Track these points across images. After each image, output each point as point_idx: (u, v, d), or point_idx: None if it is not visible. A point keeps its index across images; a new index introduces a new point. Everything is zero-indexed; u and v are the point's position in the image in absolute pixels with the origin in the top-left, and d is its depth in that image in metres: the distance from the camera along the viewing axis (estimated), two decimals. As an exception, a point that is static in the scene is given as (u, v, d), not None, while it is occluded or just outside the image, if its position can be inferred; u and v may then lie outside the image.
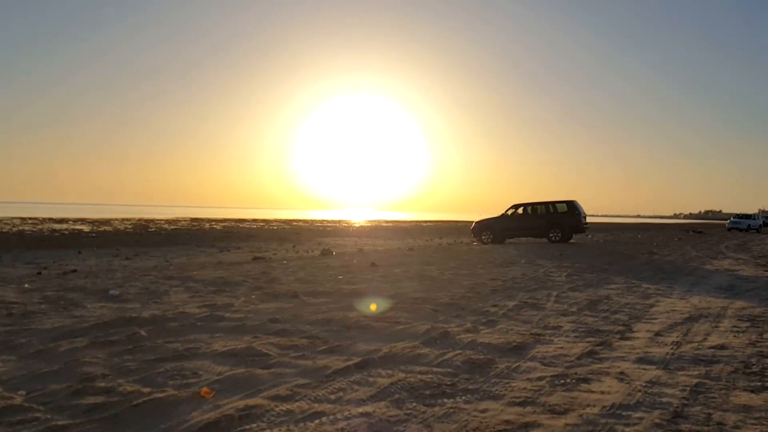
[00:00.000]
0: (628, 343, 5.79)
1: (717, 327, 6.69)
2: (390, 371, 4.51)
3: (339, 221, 73.63)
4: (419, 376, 4.38)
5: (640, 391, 4.13)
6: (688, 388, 4.20)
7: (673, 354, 5.29)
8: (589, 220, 25.99)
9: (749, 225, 49.80)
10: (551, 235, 23.36)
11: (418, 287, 9.72)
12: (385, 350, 5.11)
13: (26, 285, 9.23)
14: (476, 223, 25.03)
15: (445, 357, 4.98)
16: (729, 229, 50.81)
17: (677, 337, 6.10)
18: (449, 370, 4.61)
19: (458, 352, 5.17)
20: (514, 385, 4.26)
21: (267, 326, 6.13)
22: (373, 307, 7.39)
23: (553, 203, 23.76)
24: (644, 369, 4.74)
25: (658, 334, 6.27)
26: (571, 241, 25.49)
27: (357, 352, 5.09)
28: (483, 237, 24.27)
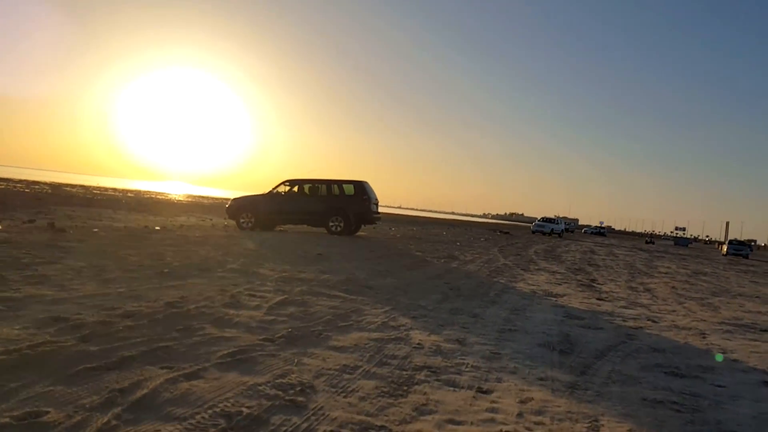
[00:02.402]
0: None
1: None
2: None
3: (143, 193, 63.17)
4: None
5: None
6: None
7: None
8: (403, 212, 20.45)
9: (552, 229, 49.46)
10: (332, 224, 17.73)
11: None
12: None
13: None
14: (233, 200, 18.55)
15: None
16: (533, 232, 50.13)
17: None
18: None
19: None
20: None
21: None
22: None
23: (339, 182, 18.10)
24: None
25: None
26: (360, 233, 20.17)
27: None
28: (242, 220, 17.92)
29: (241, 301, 5.98)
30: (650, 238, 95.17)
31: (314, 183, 18.25)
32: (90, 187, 59.62)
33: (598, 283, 12.46)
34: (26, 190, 37.30)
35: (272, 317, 5.46)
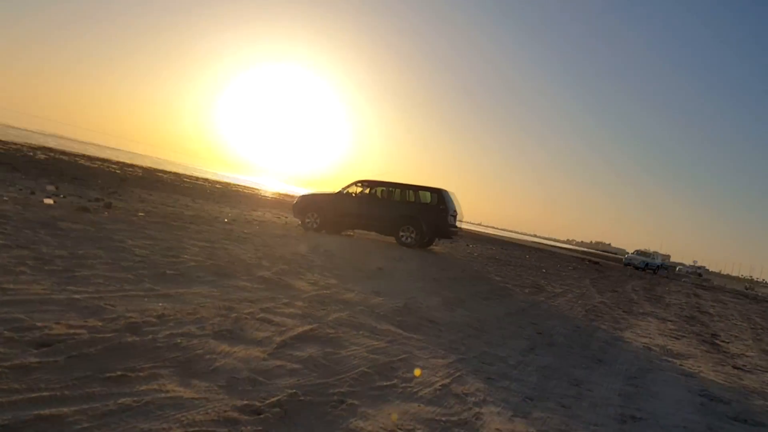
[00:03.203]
0: None
1: None
2: None
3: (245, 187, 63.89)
4: None
5: None
6: None
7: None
8: (482, 230, 18.25)
9: (647, 264, 45.30)
10: (402, 234, 15.79)
11: None
12: None
13: None
14: (300, 197, 16.94)
15: None
16: (625, 265, 46.22)
17: None
18: None
19: None
20: None
21: None
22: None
23: (415, 188, 16.11)
24: None
25: None
26: (433, 247, 18.16)
27: None
28: (307, 220, 16.32)
29: (245, 328, 4.18)
30: (750, 285, 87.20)
31: (388, 186, 16.37)
32: (183, 175, 60.70)
33: (723, 340, 9.91)
34: (117, 171, 37.77)
35: (278, 362, 3.63)
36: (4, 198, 10.27)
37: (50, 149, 53.94)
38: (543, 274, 17.02)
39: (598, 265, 37.42)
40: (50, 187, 14.93)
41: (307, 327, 4.58)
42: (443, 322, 6.20)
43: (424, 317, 6.14)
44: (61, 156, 43.50)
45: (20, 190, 13.27)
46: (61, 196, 13.65)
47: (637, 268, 44.81)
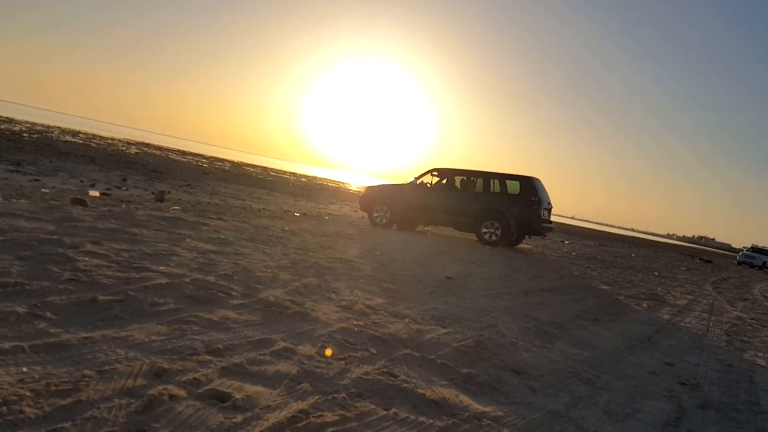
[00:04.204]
0: None
1: None
2: None
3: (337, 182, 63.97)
4: None
5: None
6: None
7: None
8: (576, 223, 15.64)
9: (765, 262, 40.21)
10: (485, 231, 13.49)
11: None
12: None
13: None
14: (367, 189, 14.96)
15: None
16: (739, 263, 41.31)
17: None
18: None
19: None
20: None
21: None
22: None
23: (501, 177, 13.73)
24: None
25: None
26: (523, 243, 15.77)
27: None
28: (375, 214, 14.38)
29: (157, 428, 2.21)
30: None
31: (468, 175, 14.11)
32: (270, 169, 61.08)
33: None
34: (204, 165, 37.76)
35: None
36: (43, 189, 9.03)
37: (147, 144, 55.62)
38: (656, 279, 14.24)
39: (711, 263, 33.30)
40: (119, 180, 14.44)
41: (296, 407, 2.58)
42: (536, 370, 4.04)
43: (506, 364, 4.01)
44: (154, 151, 44.27)
45: (81, 182, 12.55)
46: (124, 189, 12.91)
47: (752, 266, 39.89)
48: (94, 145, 35.00)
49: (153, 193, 13.41)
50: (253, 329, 3.48)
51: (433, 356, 3.78)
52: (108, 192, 12.17)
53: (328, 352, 3.38)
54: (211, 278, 4.39)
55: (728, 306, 11.29)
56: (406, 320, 4.59)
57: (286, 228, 9.05)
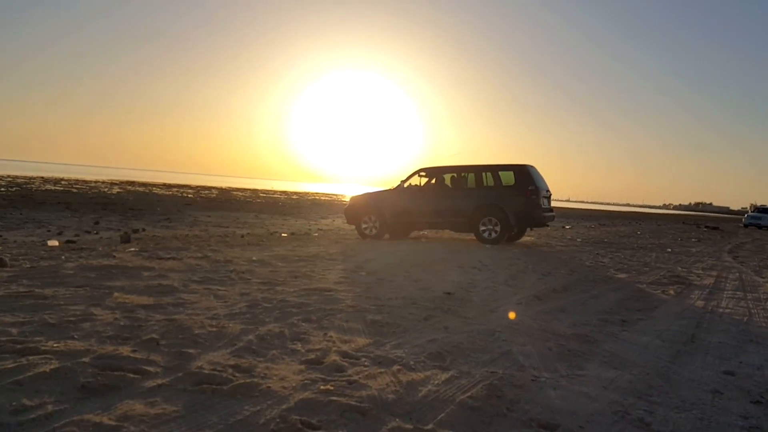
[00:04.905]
0: None
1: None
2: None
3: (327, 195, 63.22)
4: None
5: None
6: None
7: None
8: (573, 206, 14.61)
9: (773, 222, 39.25)
10: (483, 229, 12.46)
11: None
12: None
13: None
14: (352, 199, 13.88)
15: None
16: (746, 225, 40.40)
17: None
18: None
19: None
20: None
21: None
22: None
23: (494, 169, 12.67)
24: None
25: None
26: (525, 236, 14.78)
27: None
28: (363, 225, 13.35)
29: None
30: None
31: (458, 171, 13.08)
32: (260, 190, 60.16)
33: None
34: (189, 195, 36.81)
35: None
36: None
37: (131, 183, 54.61)
38: (671, 256, 13.22)
39: (718, 230, 32.34)
40: (92, 224, 13.72)
41: None
42: (572, 419, 2.99)
43: (531, 416, 2.96)
44: (137, 188, 43.24)
45: (47, 231, 11.73)
46: (95, 233, 12.14)
47: (761, 227, 38.96)
48: (74, 190, 33.93)
49: (132, 232, 12.51)
50: (166, 429, 2.42)
51: (431, 425, 2.74)
52: (73, 239, 11.21)
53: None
54: (126, 349, 3.32)
55: (757, 277, 10.32)
56: (395, 367, 3.54)
57: (254, 258, 7.96)
